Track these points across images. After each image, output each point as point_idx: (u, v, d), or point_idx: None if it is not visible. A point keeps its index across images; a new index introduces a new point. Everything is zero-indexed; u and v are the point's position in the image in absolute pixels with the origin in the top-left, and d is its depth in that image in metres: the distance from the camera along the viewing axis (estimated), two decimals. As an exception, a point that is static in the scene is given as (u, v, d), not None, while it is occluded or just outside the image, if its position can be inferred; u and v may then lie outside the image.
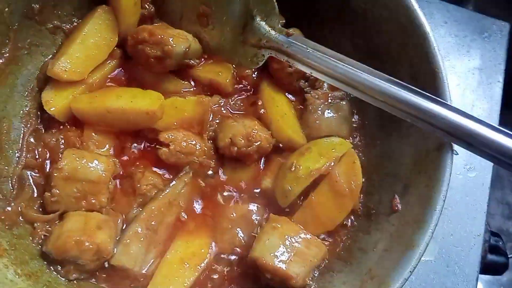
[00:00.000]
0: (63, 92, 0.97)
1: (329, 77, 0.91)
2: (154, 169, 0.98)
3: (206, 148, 0.99)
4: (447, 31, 1.26)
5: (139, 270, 0.90)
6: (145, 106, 0.94)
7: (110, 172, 0.92)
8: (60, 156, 0.92)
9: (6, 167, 0.92)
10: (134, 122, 0.96)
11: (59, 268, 0.87)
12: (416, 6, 0.92)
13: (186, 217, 0.97)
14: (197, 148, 0.97)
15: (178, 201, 0.96)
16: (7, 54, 0.93)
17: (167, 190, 0.95)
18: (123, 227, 0.93)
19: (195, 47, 1.04)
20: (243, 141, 0.96)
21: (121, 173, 0.97)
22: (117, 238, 0.91)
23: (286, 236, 0.90)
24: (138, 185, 0.94)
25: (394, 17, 0.95)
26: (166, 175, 0.99)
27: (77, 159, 0.91)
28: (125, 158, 0.99)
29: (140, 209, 0.94)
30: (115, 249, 0.89)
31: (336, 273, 0.92)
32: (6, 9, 0.90)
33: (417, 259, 0.80)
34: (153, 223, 0.92)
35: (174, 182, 0.96)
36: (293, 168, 0.93)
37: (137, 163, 0.98)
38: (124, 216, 0.94)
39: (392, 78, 0.86)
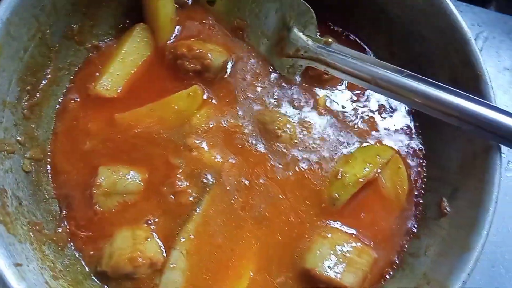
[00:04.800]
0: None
1: (371, 84, 0.91)
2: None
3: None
4: (474, 33, 1.26)
5: None
6: (185, 91, 0.97)
7: (146, 181, 0.93)
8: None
9: (53, 189, 0.92)
10: (177, 112, 0.96)
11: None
12: (454, 9, 0.92)
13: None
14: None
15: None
16: (49, 76, 0.93)
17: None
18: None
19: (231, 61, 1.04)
20: None
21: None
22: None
23: (337, 246, 0.90)
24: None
25: (432, 22, 0.95)
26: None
27: (113, 173, 0.91)
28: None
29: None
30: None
31: (389, 279, 0.92)
32: (48, 31, 0.91)
33: (475, 261, 0.79)
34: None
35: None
36: (340, 176, 0.93)
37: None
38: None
39: (435, 82, 0.86)
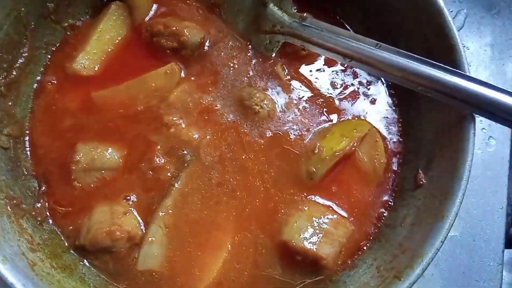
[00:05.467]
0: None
1: (346, 57, 0.92)
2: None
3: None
4: (455, 10, 1.26)
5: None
6: (162, 69, 0.97)
7: (124, 157, 0.93)
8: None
9: (31, 166, 0.92)
10: (154, 90, 0.97)
11: (96, 262, 0.88)
12: (427, -19, 0.92)
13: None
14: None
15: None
16: (26, 54, 0.94)
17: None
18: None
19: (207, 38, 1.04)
20: None
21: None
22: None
23: (314, 218, 0.90)
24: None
25: (406, -6, 0.95)
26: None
27: (92, 149, 0.92)
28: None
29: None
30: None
31: (366, 250, 0.93)
32: (23, 9, 0.91)
33: (448, 229, 0.80)
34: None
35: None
36: (317, 150, 0.94)
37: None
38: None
39: (410, 53, 0.86)
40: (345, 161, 0.95)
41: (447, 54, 0.89)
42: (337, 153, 0.93)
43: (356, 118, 1.01)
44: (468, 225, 1.11)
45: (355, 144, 0.95)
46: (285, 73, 1.03)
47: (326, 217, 0.91)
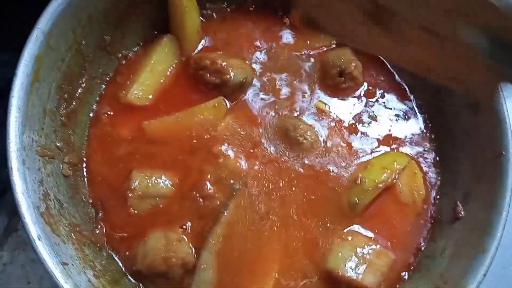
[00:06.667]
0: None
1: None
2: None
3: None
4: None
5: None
6: (211, 102, 1.02)
7: (177, 185, 0.98)
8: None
9: (88, 192, 0.97)
10: (203, 122, 1.01)
11: (152, 287, 0.92)
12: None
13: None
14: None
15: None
16: (84, 84, 0.98)
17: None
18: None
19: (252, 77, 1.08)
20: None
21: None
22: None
23: (357, 248, 0.94)
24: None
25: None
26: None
27: (146, 177, 0.96)
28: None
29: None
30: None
31: (407, 280, 0.97)
32: (83, 42, 0.95)
33: (489, 262, 0.85)
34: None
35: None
36: (359, 181, 0.98)
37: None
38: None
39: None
40: (385, 192, 0.99)
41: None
42: (379, 185, 0.97)
43: (395, 150, 1.06)
44: (498, 253, 1.14)
45: (395, 176, 0.99)
46: (327, 106, 1.08)
47: (369, 247, 0.95)
